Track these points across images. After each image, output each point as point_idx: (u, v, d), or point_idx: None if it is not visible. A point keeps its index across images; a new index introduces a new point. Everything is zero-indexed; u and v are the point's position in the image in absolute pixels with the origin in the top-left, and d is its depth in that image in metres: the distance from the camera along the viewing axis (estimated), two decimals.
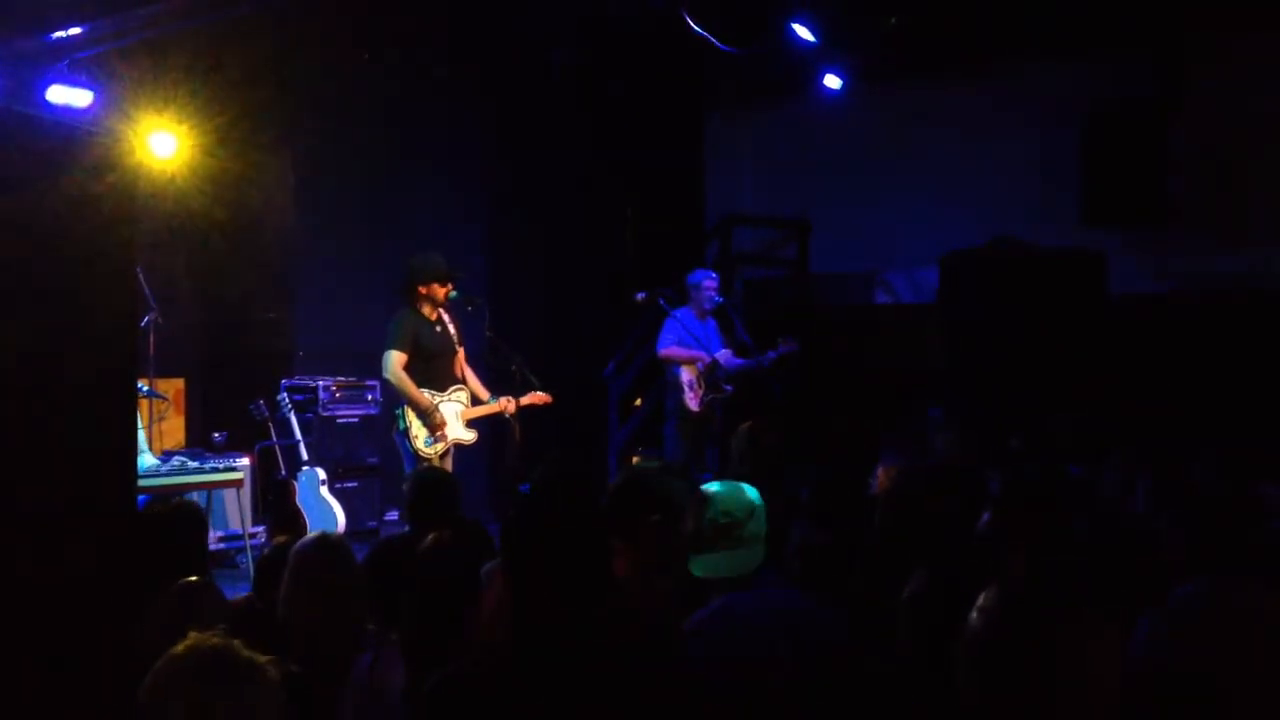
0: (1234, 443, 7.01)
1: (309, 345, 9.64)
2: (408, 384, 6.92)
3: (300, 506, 7.67)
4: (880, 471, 5.42)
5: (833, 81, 9.57)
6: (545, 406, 7.34)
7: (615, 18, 8.29)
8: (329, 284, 9.58)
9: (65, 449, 3.35)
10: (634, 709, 2.44)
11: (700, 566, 3.26)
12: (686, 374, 8.41)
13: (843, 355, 9.93)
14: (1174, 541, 3.35)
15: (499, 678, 2.40)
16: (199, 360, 9.68)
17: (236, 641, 2.21)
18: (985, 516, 4.11)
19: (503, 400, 7.19)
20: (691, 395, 8.38)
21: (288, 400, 8.28)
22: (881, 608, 3.09)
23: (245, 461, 8.12)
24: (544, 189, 10.20)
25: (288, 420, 8.24)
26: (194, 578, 3.68)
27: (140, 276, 7.08)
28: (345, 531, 7.88)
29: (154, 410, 8.24)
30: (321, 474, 8.09)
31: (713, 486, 3.43)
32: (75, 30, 7.27)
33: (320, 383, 8.86)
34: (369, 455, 9.06)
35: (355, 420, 9.01)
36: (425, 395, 6.95)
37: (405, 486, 5.06)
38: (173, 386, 9.16)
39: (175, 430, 9.29)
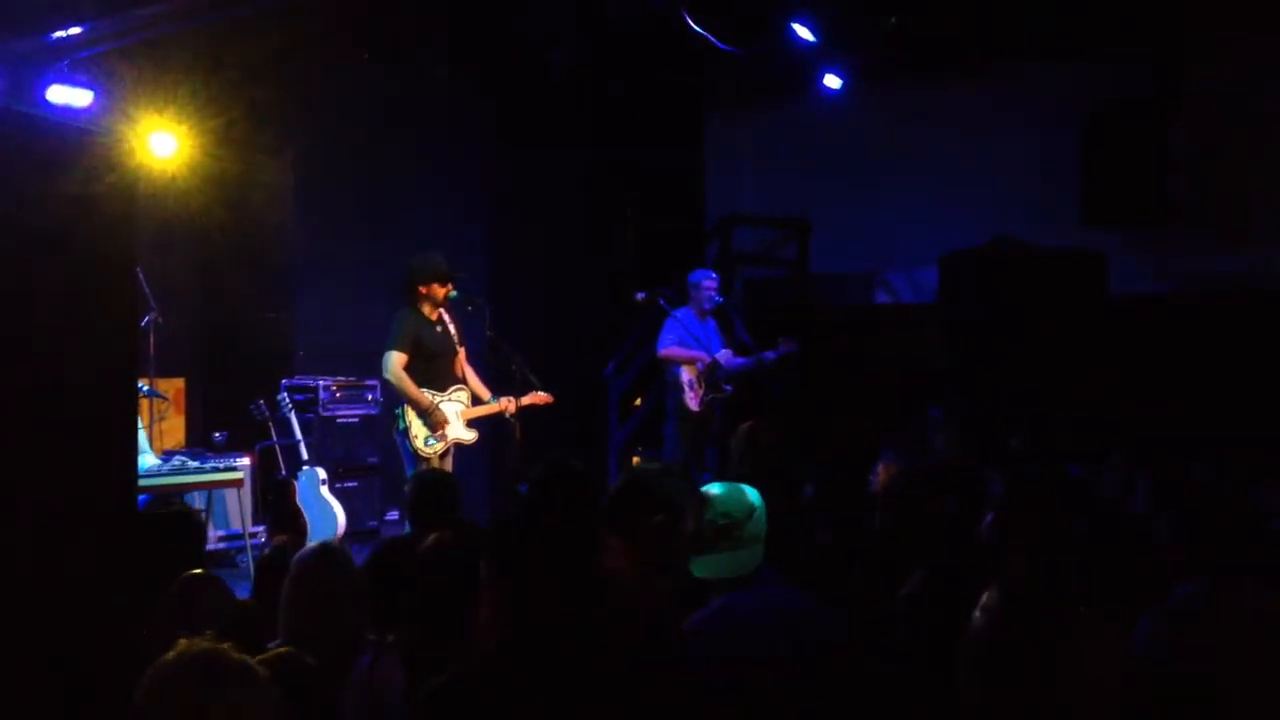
0: (1234, 443, 7.01)
1: (309, 345, 9.64)
2: (408, 384, 6.92)
3: (300, 506, 7.67)
4: (880, 470, 5.43)
5: (833, 81, 9.57)
6: (546, 406, 7.34)
7: (615, 18, 8.29)
8: (329, 284, 9.58)
9: (65, 449, 3.35)
10: (634, 709, 2.44)
11: (700, 567, 3.27)
12: (686, 374, 8.41)
13: (843, 355, 9.92)
14: (1174, 541, 3.36)
15: (497, 680, 2.39)
16: (199, 360, 9.69)
17: (228, 644, 2.22)
18: (988, 517, 4.12)
19: (503, 400, 7.19)
20: (691, 395, 8.38)
21: (288, 400, 8.28)
22: (881, 607, 3.09)
23: (245, 461, 8.13)
24: (544, 189, 10.20)
25: (288, 420, 8.24)
26: (198, 570, 3.68)
27: (140, 276, 7.08)
28: (345, 531, 7.89)
29: (154, 410, 8.25)
30: (322, 474, 8.09)
31: (713, 487, 3.43)
32: (75, 30, 7.28)
33: (320, 382, 8.87)
34: (369, 455, 9.06)
35: (355, 420, 9.01)
36: (426, 395, 6.95)
37: (406, 488, 5.07)
38: (173, 386, 9.16)
39: (175, 430, 9.29)
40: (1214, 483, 5.10)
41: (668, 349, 8.49)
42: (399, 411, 7.02)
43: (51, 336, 3.35)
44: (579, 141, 10.34)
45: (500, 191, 10.22)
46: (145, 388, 7.87)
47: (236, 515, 8.07)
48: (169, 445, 8.71)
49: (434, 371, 7.07)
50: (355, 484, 8.91)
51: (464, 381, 7.26)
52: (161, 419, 8.58)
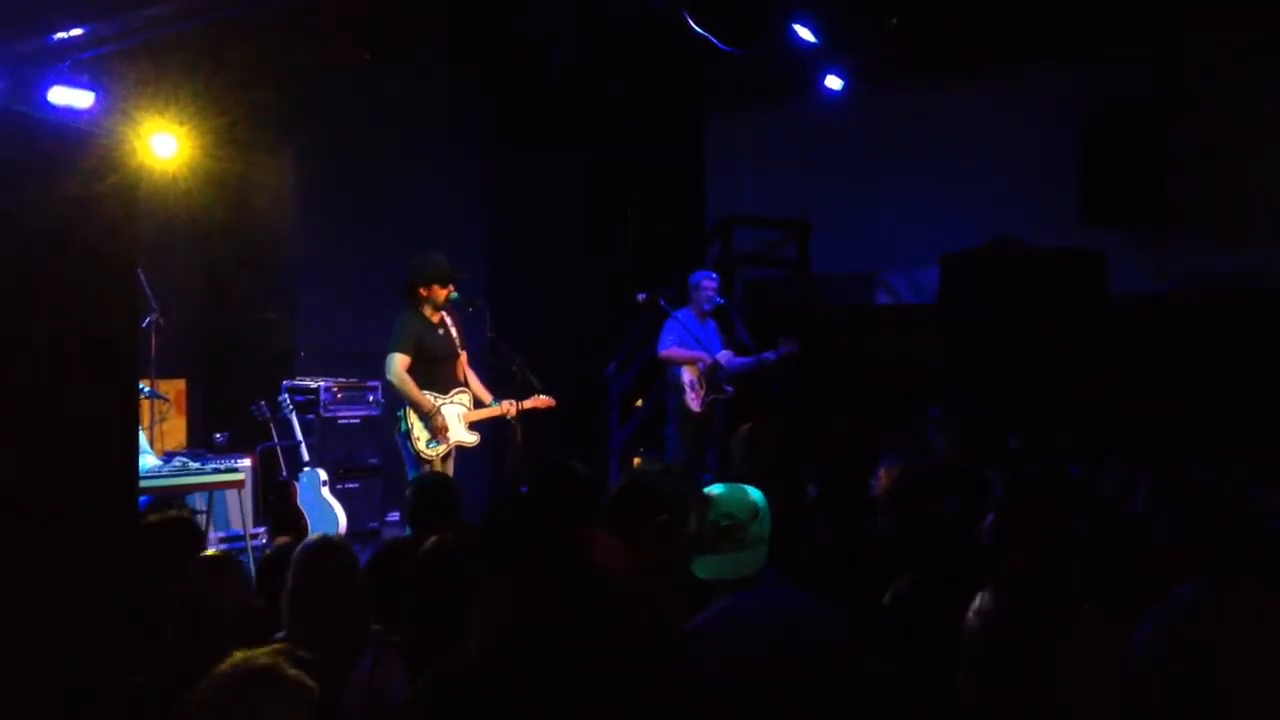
0: (1234, 443, 7.01)
1: (310, 346, 9.64)
2: (410, 386, 6.92)
3: (301, 507, 7.69)
4: (882, 472, 5.43)
5: (833, 82, 9.58)
6: (547, 409, 7.34)
7: (615, 18, 8.29)
8: (330, 284, 9.58)
9: (66, 449, 3.35)
10: (634, 709, 2.44)
11: (703, 568, 3.26)
12: (687, 375, 8.41)
13: (843, 355, 9.93)
14: (1174, 541, 3.36)
15: (495, 678, 2.40)
16: (200, 361, 9.69)
17: (282, 659, 2.24)
18: (989, 517, 4.13)
19: (505, 403, 7.19)
20: (692, 396, 8.38)
21: (289, 401, 8.28)
22: (882, 609, 3.09)
23: (246, 462, 8.13)
24: (544, 189, 10.20)
25: (289, 421, 8.24)
26: (214, 551, 3.69)
27: (141, 277, 7.08)
28: (346, 533, 7.89)
29: (155, 411, 8.25)
30: (323, 475, 8.10)
31: (716, 488, 3.43)
32: (76, 31, 7.28)
33: (321, 383, 8.87)
34: (370, 456, 9.06)
35: (356, 421, 9.02)
36: (428, 398, 6.95)
37: (407, 492, 5.07)
38: (174, 387, 9.16)
39: (176, 431, 9.29)
40: (1214, 483, 5.10)
41: (668, 350, 8.49)
42: (401, 413, 7.02)
43: (52, 337, 3.35)
44: (579, 141, 10.34)
45: (500, 191, 10.22)
46: (146, 389, 7.87)
47: (238, 516, 8.07)
48: (170, 446, 8.71)
49: (436, 374, 7.07)
50: (356, 485, 8.92)
51: (466, 384, 7.26)
52: (162, 420, 8.58)
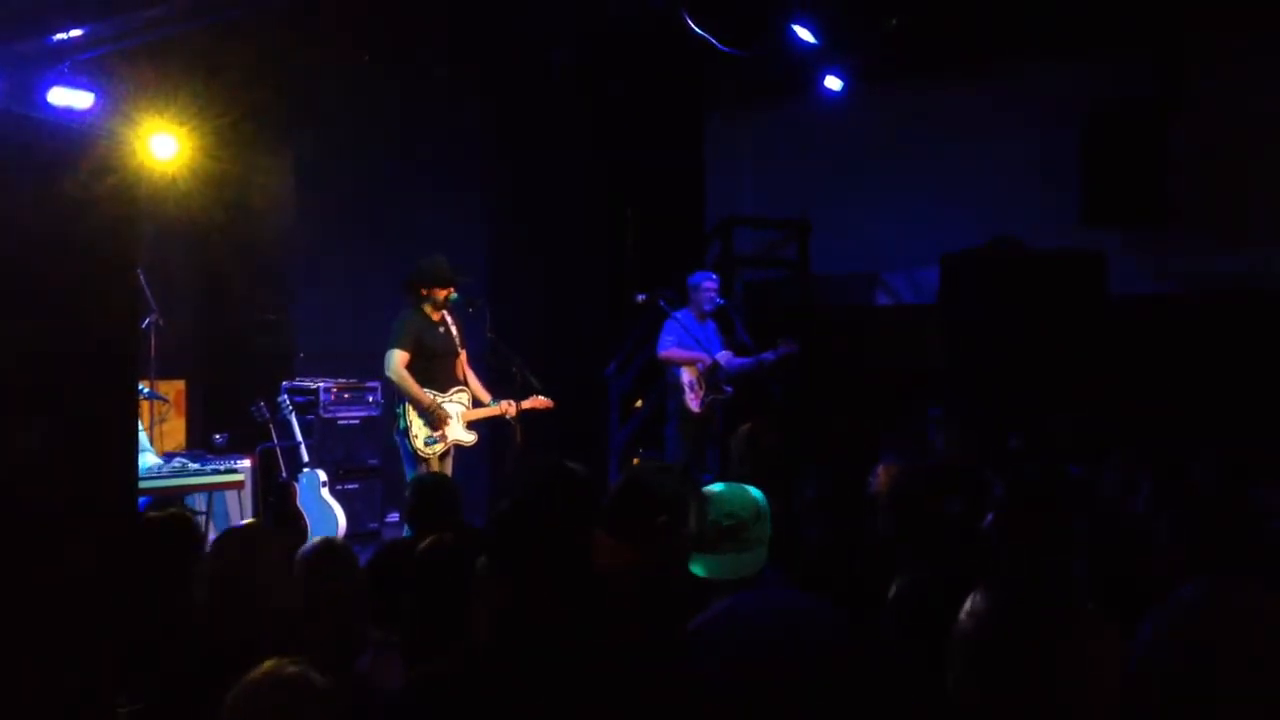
0: (1234, 443, 7.01)
1: (309, 347, 9.64)
2: (409, 382, 6.92)
3: (301, 508, 7.69)
4: (880, 470, 5.43)
5: (833, 83, 9.57)
6: (546, 410, 7.34)
7: (615, 18, 8.29)
8: (329, 285, 9.58)
9: (66, 450, 3.35)
10: (633, 710, 2.44)
11: (703, 568, 3.25)
12: (687, 375, 8.41)
13: (843, 356, 9.92)
14: (1174, 542, 3.36)
15: (493, 677, 2.39)
16: (200, 362, 9.69)
17: (314, 670, 2.25)
18: (988, 517, 4.13)
19: (504, 403, 7.19)
20: (692, 396, 8.38)
21: (288, 402, 8.28)
22: (882, 608, 3.09)
23: (246, 463, 8.13)
24: (544, 189, 10.19)
25: (288, 422, 8.25)
26: (251, 520, 3.68)
27: (141, 278, 7.08)
28: (346, 533, 7.89)
29: (155, 412, 8.25)
30: (322, 476, 8.10)
31: (718, 487, 3.41)
32: (76, 32, 7.29)
33: (321, 384, 8.87)
34: (370, 457, 9.06)
35: (356, 422, 9.02)
36: (427, 394, 6.96)
37: (406, 492, 5.08)
38: (174, 388, 9.16)
39: (176, 432, 9.29)
40: (1214, 483, 5.10)
41: (668, 351, 8.49)
42: (399, 410, 7.02)
43: (52, 338, 3.35)
44: (579, 142, 10.34)
45: (500, 192, 10.22)
46: (146, 390, 7.87)
47: (237, 517, 8.08)
48: (170, 447, 8.71)
49: (434, 372, 7.08)
50: (356, 486, 8.92)
51: (465, 384, 7.26)
52: (162, 421, 8.58)
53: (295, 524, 7.44)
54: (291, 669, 2.25)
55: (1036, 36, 9.01)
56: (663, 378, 8.76)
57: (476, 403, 7.24)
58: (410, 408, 6.96)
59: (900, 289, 10.64)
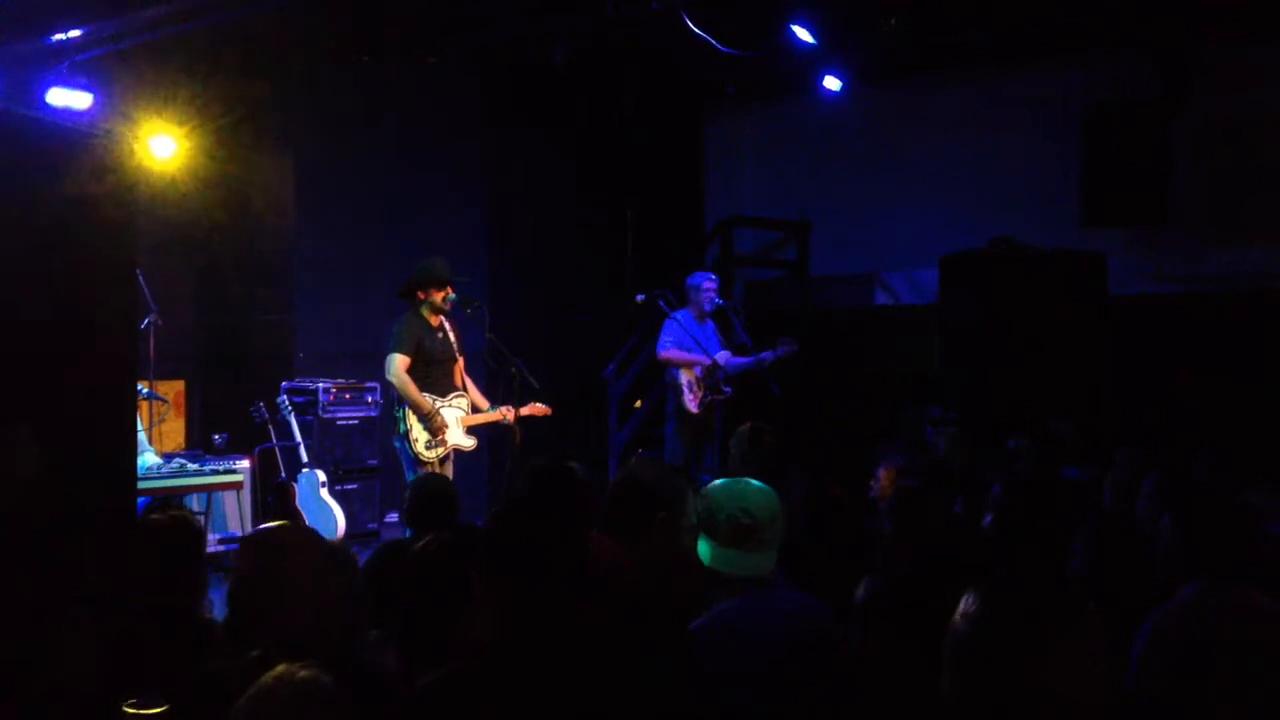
0: (1235, 444, 7.01)
1: (309, 347, 9.63)
2: (410, 387, 6.91)
3: (300, 509, 7.67)
4: (882, 473, 5.43)
5: (832, 83, 9.56)
6: (543, 417, 7.34)
7: (615, 17, 8.28)
8: (329, 286, 9.58)
9: (65, 450, 3.35)
10: (636, 710, 2.44)
11: (715, 560, 3.21)
12: (685, 376, 8.41)
13: (842, 356, 9.92)
14: (1174, 543, 3.35)
15: (492, 677, 2.39)
16: (199, 362, 9.69)
17: (324, 674, 2.25)
18: (987, 518, 4.13)
19: (502, 409, 7.19)
20: (691, 397, 8.37)
21: (287, 402, 8.27)
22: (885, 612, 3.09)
23: (245, 464, 8.12)
24: (543, 190, 10.19)
25: (288, 422, 8.24)
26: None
27: (140, 278, 7.07)
28: (345, 534, 7.89)
29: (154, 412, 8.24)
30: (321, 476, 8.09)
31: (740, 484, 3.35)
32: (75, 33, 7.29)
33: (320, 385, 8.86)
34: (369, 457, 9.05)
35: (355, 422, 9.00)
36: (427, 399, 6.95)
37: (407, 494, 5.07)
38: (173, 389, 9.16)
39: (175, 432, 9.29)
40: (1215, 484, 5.10)
41: (667, 352, 8.48)
42: (399, 414, 7.01)
43: (51, 338, 3.35)
44: (579, 142, 10.34)
45: (500, 192, 10.21)
46: (145, 390, 7.86)
47: (236, 518, 8.06)
48: (169, 448, 8.71)
49: (433, 377, 7.07)
50: (355, 486, 8.91)
51: (464, 389, 7.26)
52: (161, 421, 8.57)
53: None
54: (303, 673, 2.26)
55: (1036, 36, 9.01)
56: (661, 378, 8.75)
57: (475, 409, 7.24)
58: (410, 412, 6.96)
59: (900, 289, 10.64)
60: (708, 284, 8.56)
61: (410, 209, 9.65)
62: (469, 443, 7.17)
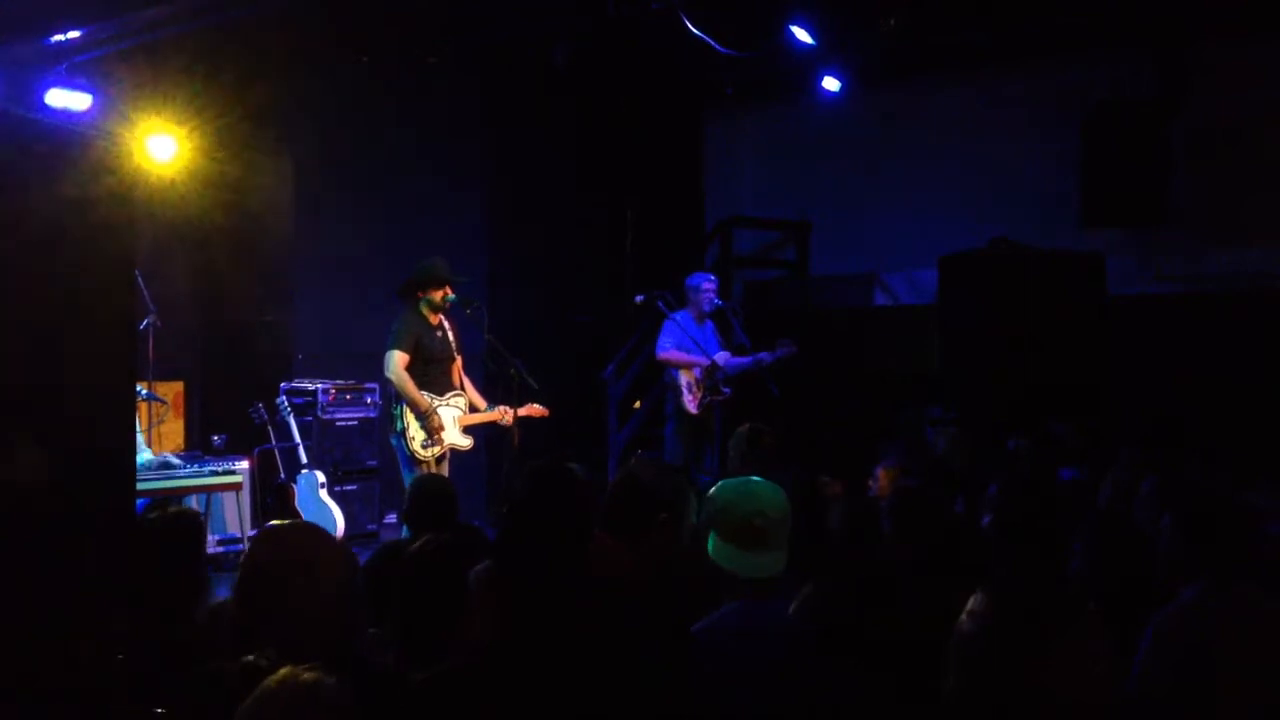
0: (1234, 444, 7.01)
1: (308, 348, 9.63)
2: (409, 385, 6.92)
3: (299, 510, 7.67)
4: (880, 473, 5.43)
5: (831, 84, 9.56)
6: (540, 418, 7.34)
7: (615, 18, 8.28)
8: (328, 287, 9.58)
9: (64, 452, 3.34)
10: (637, 711, 2.43)
11: (724, 557, 3.19)
12: (685, 376, 8.41)
13: (842, 357, 9.92)
14: (1174, 543, 3.35)
15: (493, 677, 2.39)
16: (198, 363, 9.68)
17: (331, 677, 2.25)
18: (985, 519, 4.13)
19: (500, 409, 7.19)
20: (690, 398, 8.37)
21: (287, 403, 8.27)
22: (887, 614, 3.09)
23: (244, 465, 8.11)
24: (543, 190, 10.19)
25: (287, 423, 8.24)
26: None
27: (139, 279, 7.07)
28: (344, 535, 7.88)
29: (153, 413, 8.23)
30: (320, 477, 8.09)
31: (755, 482, 3.33)
32: (74, 34, 7.28)
33: (319, 386, 8.86)
34: (368, 458, 9.05)
35: (354, 423, 9.00)
36: (425, 398, 6.95)
37: (406, 494, 5.07)
38: (172, 390, 9.16)
39: (174, 433, 9.29)
40: (1214, 484, 5.10)
41: (666, 352, 8.48)
42: (397, 412, 7.01)
43: (50, 339, 3.34)
44: (578, 142, 10.34)
45: (500, 193, 10.21)
46: (144, 391, 7.86)
47: (235, 519, 8.06)
48: (168, 449, 8.69)
49: (431, 376, 7.07)
50: (354, 487, 8.90)
51: (462, 389, 7.26)
52: (160, 422, 8.57)
53: None
54: (307, 675, 2.26)
55: (1036, 36, 9.01)
56: (661, 379, 8.75)
57: (473, 408, 7.24)
58: (408, 410, 6.96)
59: (899, 290, 10.64)
60: (707, 285, 8.55)
61: (410, 209, 9.64)
62: (466, 442, 7.17)
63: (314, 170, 9.54)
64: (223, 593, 4.02)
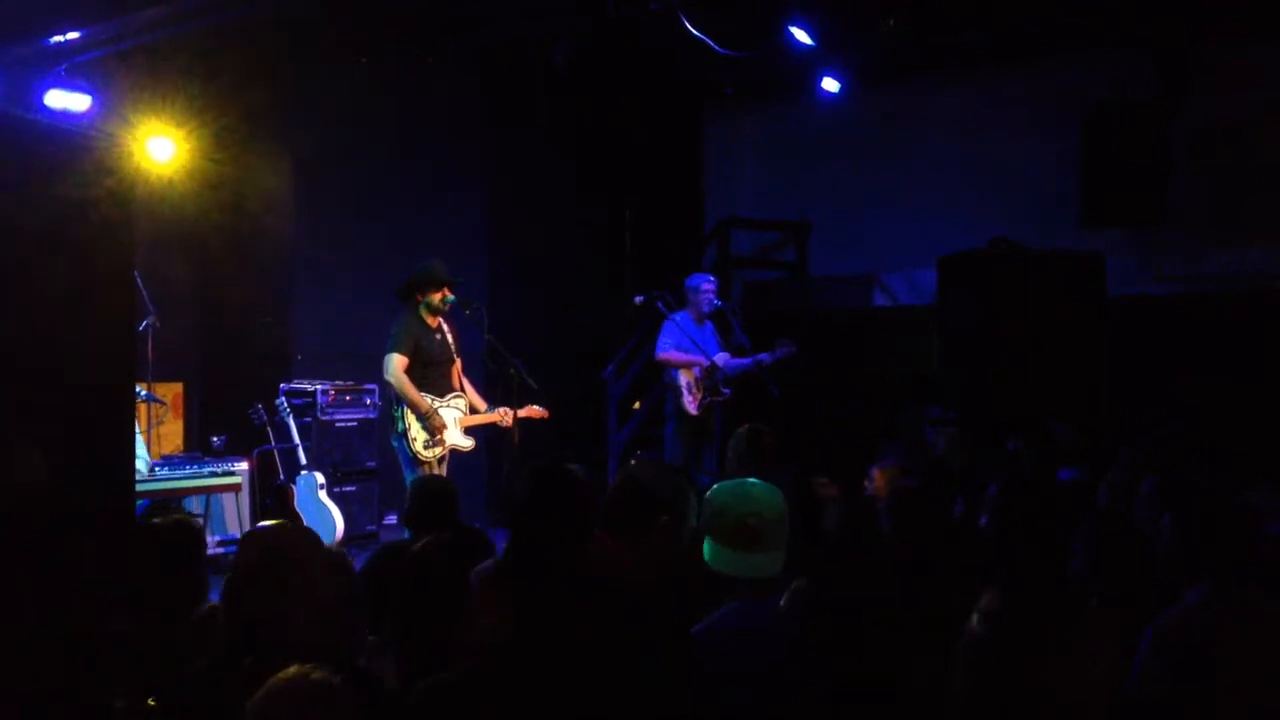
0: (1234, 445, 7.00)
1: (307, 349, 9.62)
2: (409, 387, 6.92)
3: (299, 511, 7.66)
4: (875, 473, 5.42)
5: (830, 85, 9.56)
6: (540, 420, 7.34)
7: (615, 18, 8.28)
8: (327, 287, 9.56)
9: (64, 452, 3.34)
10: (635, 711, 2.43)
11: (720, 561, 3.19)
12: (684, 377, 8.40)
13: (842, 357, 9.92)
14: (1174, 544, 3.35)
15: (495, 680, 2.39)
16: (197, 364, 9.66)
17: (339, 676, 2.25)
18: (983, 519, 4.12)
19: (500, 411, 7.19)
20: (690, 398, 8.37)
21: (286, 404, 8.27)
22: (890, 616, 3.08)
23: (244, 466, 8.11)
24: (542, 190, 10.19)
25: (286, 424, 8.23)
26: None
27: (139, 280, 7.06)
28: (343, 536, 7.88)
29: (152, 414, 8.23)
30: (320, 478, 8.08)
31: (751, 483, 3.33)
32: (73, 35, 7.27)
33: (318, 386, 8.85)
34: (367, 459, 9.04)
35: (353, 424, 8.99)
36: (425, 399, 6.95)
37: (407, 495, 5.06)
38: (171, 391, 9.14)
39: (174, 434, 9.27)
40: (1214, 485, 5.09)
41: (665, 353, 8.48)
42: (398, 413, 7.01)
43: (50, 340, 3.34)
44: (578, 143, 10.34)
45: (500, 193, 10.21)
46: (143, 392, 7.85)
47: (234, 520, 8.06)
48: (167, 450, 8.69)
49: (431, 378, 7.07)
50: (353, 488, 8.89)
51: (461, 390, 7.26)
52: (159, 423, 8.56)
53: None
54: (315, 675, 2.26)
55: (1036, 36, 9.01)
56: (660, 379, 8.75)
57: (473, 410, 7.24)
58: (409, 411, 6.96)
59: (898, 290, 10.64)
60: (706, 285, 8.55)
61: (410, 209, 9.64)
62: (467, 443, 7.17)
63: (314, 170, 9.53)
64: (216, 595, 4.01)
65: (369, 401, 9.04)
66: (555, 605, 2.42)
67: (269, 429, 8.22)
